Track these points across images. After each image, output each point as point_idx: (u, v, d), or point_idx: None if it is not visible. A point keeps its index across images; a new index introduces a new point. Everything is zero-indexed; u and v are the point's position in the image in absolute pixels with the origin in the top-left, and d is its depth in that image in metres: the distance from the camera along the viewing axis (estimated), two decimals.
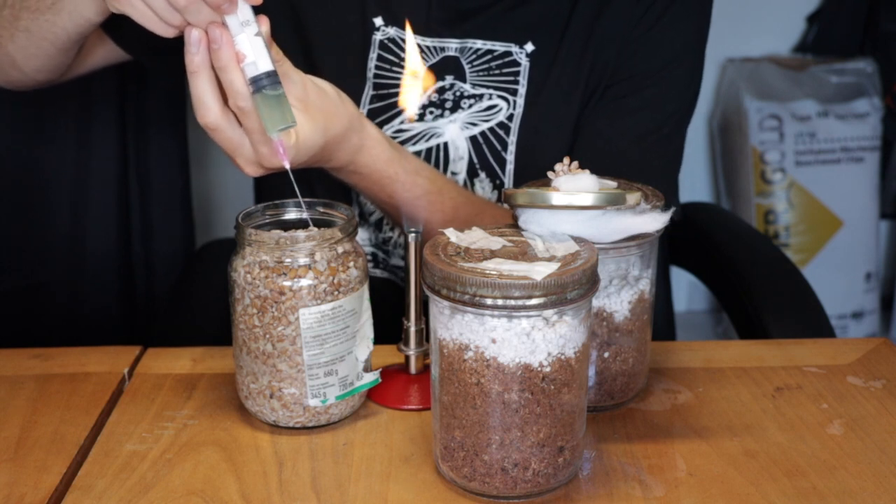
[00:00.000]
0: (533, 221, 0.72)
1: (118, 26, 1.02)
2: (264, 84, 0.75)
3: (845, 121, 2.36)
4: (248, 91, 0.76)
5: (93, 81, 1.32)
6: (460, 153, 1.03)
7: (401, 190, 0.91)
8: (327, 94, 0.84)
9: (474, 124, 1.03)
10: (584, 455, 0.73)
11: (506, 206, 1.00)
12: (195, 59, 0.76)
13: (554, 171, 0.74)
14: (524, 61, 1.03)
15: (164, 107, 1.46)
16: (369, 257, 1.10)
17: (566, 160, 0.74)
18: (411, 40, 0.90)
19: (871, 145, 2.37)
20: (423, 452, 0.75)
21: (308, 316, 0.74)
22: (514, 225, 0.74)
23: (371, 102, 1.04)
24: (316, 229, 0.77)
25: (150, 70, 1.14)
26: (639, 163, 1.01)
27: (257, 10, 0.77)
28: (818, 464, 0.73)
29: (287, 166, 0.79)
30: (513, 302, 0.64)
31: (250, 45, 0.75)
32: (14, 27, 0.92)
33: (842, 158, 2.36)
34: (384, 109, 1.04)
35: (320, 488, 0.71)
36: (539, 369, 0.66)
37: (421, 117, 1.04)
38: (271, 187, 1.11)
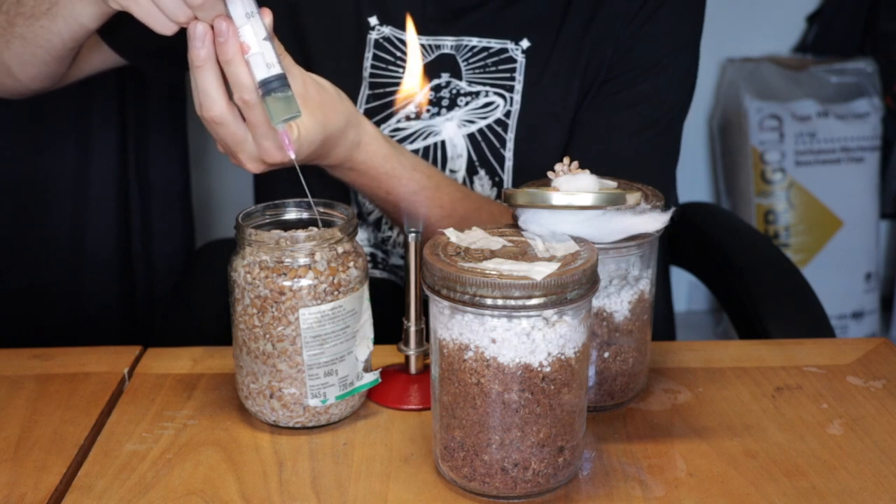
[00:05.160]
0: (533, 221, 0.72)
1: (114, 31, 1.02)
2: (274, 87, 0.75)
3: (845, 121, 2.36)
4: (253, 83, 0.75)
5: (93, 82, 1.32)
6: (458, 151, 1.03)
7: (398, 186, 0.91)
8: (326, 90, 0.84)
9: (471, 122, 1.03)
10: (584, 455, 0.73)
11: (506, 204, 1.01)
12: (201, 52, 0.75)
13: (554, 170, 0.74)
14: (520, 58, 1.03)
15: (164, 106, 1.46)
16: (368, 257, 1.10)
17: (566, 160, 0.74)
18: (413, 39, 0.90)
19: (871, 145, 2.37)
20: (423, 452, 0.75)
21: (308, 316, 0.74)
22: (514, 225, 0.74)
23: (367, 102, 1.05)
24: (316, 229, 0.77)
25: (147, 73, 1.14)
26: (635, 158, 1.01)
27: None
28: (818, 464, 0.73)
29: (293, 157, 0.79)
30: (513, 302, 0.64)
31: (255, 38, 0.75)
32: (10, 33, 0.92)
33: (842, 158, 2.36)
34: (381, 108, 1.04)
35: (320, 488, 0.71)
36: (539, 369, 0.66)
37: (418, 115, 1.04)
38: (270, 188, 1.11)
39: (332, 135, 0.84)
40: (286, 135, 0.78)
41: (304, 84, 0.81)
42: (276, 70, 0.75)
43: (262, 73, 0.75)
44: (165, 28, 0.76)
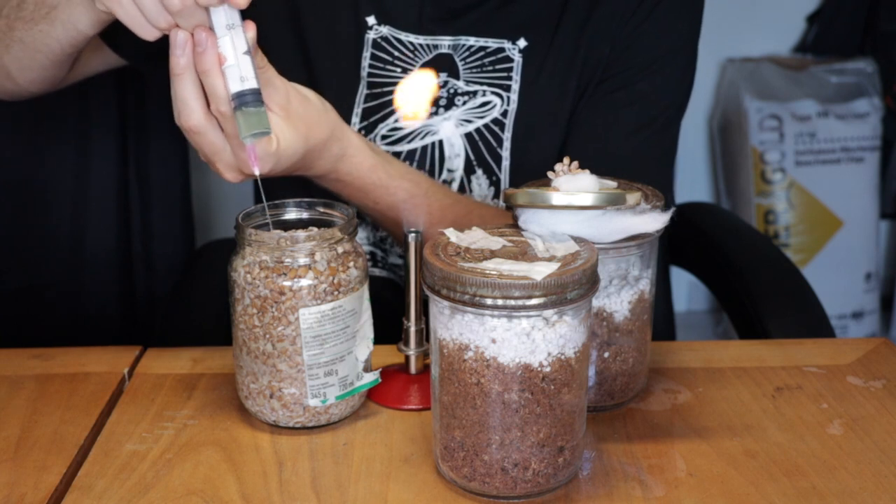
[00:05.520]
0: (533, 221, 0.72)
1: (114, 33, 1.02)
2: (247, 101, 0.75)
3: (845, 121, 2.36)
4: (227, 95, 0.75)
5: (93, 82, 1.33)
6: (456, 150, 1.04)
7: (385, 195, 0.91)
8: (310, 101, 0.83)
9: (469, 121, 1.03)
10: (584, 455, 0.73)
11: (502, 204, 1.01)
12: (180, 61, 0.76)
13: (554, 170, 0.74)
14: (517, 57, 1.03)
15: (164, 106, 1.45)
16: (367, 256, 1.10)
17: (566, 160, 0.74)
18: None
19: (871, 145, 2.37)
20: (423, 452, 0.75)
21: (308, 316, 0.74)
22: (514, 225, 0.74)
23: (365, 102, 1.05)
24: (316, 229, 0.77)
25: (148, 75, 1.14)
26: (632, 157, 1.01)
27: (253, 17, 0.76)
28: (818, 464, 0.73)
29: (257, 173, 0.78)
30: (513, 302, 0.64)
31: (233, 50, 0.75)
32: (9, 37, 0.92)
33: (842, 158, 2.36)
34: (378, 108, 1.04)
35: (320, 488, 0.71)
36: (539, 369, 0.66)
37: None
38: (270, 189, 1.11)
39: (314, 147, 0.84)
40: (253, 149, 0.77)
41: (288, 96, 0.81)
42: (250, 84, 0.75)
43: (235, 86, 0.75)
44: (148, 33, 0.77)
